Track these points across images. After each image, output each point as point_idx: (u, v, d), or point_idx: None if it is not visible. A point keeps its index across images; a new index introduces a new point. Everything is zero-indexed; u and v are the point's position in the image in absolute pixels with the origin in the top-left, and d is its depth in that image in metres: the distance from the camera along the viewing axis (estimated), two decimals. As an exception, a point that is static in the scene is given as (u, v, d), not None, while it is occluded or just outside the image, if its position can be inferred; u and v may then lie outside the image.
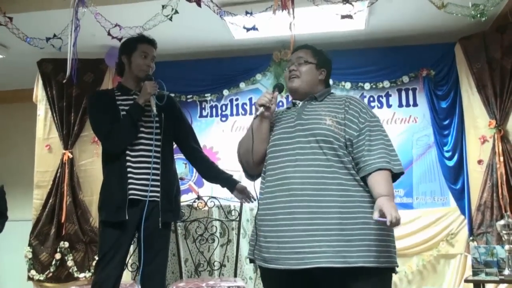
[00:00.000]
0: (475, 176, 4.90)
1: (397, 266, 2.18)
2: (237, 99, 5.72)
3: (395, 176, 2.17)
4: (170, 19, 3.73)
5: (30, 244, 5.24)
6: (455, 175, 5.07)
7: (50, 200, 5.17)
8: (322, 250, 2.02)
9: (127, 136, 2.86)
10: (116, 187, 2.83)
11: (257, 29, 3.88)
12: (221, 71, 5.62)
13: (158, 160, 2.89)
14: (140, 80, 2.96)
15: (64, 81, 3.93)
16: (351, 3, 3.51)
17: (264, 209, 2.20)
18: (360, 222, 2.06)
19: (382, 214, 1.96)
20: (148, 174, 2.83)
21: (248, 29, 3.92)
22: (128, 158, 2.85)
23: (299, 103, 2.36)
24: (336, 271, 2.02)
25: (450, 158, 5.11)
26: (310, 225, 2.05)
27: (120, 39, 3.76)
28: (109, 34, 3.91)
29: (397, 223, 1.94)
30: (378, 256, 2.06)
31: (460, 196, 5.04)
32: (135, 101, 2.88)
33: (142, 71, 2.95)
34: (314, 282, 2.12)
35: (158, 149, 2.89)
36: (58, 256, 5.05)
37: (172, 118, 3.02)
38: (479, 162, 4.87)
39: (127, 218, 2.79)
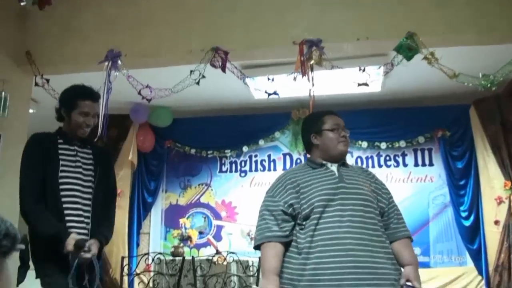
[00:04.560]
0: (492, 236, 5.06)
1: None
2: (256, 156, 5.59)
3: None
4: (198, 83, 4.04)
5: None
6: (472, 235, 5.29)
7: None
8: None
9: (33, 224, 2.64)
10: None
11: (277, 94, 4.43)
12: (241, 128, 5.50)
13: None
14: (77, 135, 2.78)
15: (96, 139, 3.96)
16: (367, 73, 3.83)
17: (318, 268, 2.17)
18: (399, 280, 2.23)
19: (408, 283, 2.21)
20: None
21: (270, 94, 4.45)
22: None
23: (331, 165, 2.41)
24: None
25: (466, 218, 5.36)
26: (370, 285, 2.13)
27: (149, 100, 4.02)
28: (139, 94, 4.11)
29: None
30: None
31: (477, 256, 5.23)
32: (66, 241, 2.55)
33: (81, 130, 2.76)
34: None
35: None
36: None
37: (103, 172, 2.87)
38: (496, 222, 5.04)
39: None
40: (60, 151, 2.71)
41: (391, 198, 2.40)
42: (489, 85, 3.67)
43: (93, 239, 2.63)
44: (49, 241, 2.57)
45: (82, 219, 2.67)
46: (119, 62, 4.04)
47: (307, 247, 2.21)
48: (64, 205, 2.63)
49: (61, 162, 2.68)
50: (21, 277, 5.33)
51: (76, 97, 2.76)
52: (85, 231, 2.66)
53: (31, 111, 5.07)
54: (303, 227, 2.26)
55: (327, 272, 2.14)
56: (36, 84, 4.24)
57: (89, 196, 2.72)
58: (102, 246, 2.67)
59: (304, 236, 2.24)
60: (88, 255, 2.55)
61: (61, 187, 2.64)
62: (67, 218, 2.62)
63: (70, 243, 2.51)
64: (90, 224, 2.69)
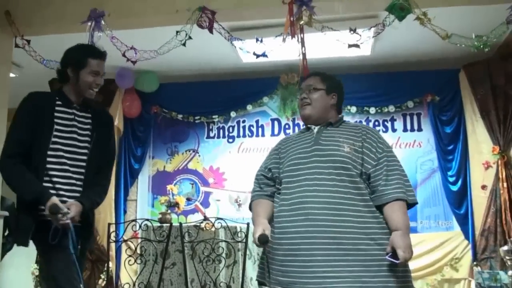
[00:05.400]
0: (479, 201, 5.07)
1: None
2: (244, 121, 5.56)
3: (409, 206, 2.26)
4: (184, 44, 3.94)
5: (37, 262, 5.37)
6: (459, 200, 5.28)
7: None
8: (342, 275, 2.06)
9: (12, 183, 2.58)
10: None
11: (266, 55, 4.24)
12: (229, 93, 5.45)
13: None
14: (85, 96, 2.71)
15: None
16: (358, 33, 3.76)
17: (280, 232, 2.21)
18: (377, 249, 2.10)
19: (394, 250, 2.08)
20: None
21: (258, 56, 4.27)
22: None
23: (314, 128, 2.39)
24: None
25: (454, 183, 5.34)
26: (329, 250, 2.08)
27: (134, 62, 3.95)
28: (124, 55, 4.03)
29: (406, 262, 2.09)
30: (397, 282, 2.09)
31: (464, 220, 5.22)
32: (46, 205, 2.47)
33: (90, 90, 2.69)
34: None
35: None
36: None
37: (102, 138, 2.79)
38: (483, 187, 5.05)
39: None
40: (56, 114, 2.62)
41: (383, 158, 2.24)
42: (481, 46, 3.62)
43: (74, 201, 2.55)
44: (32, 205, 2.52)
45: (73, 188, 2.61)
46: (103, 22, 3.92)
47: (278, 211, 2.27)
48: (52, 172, 2.56)
49: (55, 127, 2.59)
50: (9, 245, 5.34)
51: (86, 55, 2.66)
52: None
53: (12, 75, 4.95)
54: (279, 191, 2.31)
55: (287, 236, 2.17)
56: (17, 46, 4.12)
57: (83, 163, 2.64)
58: (84, 208, 2.57)
59: (278, 200, 2.30)
60: (66, 221, 2.45)
61: (50, 152, 2.56)
62: (57, 186, 2.56)
63: (47, 207, 2.46)
64: (81, 192, 2.63)
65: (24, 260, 5.77)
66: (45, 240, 2.48)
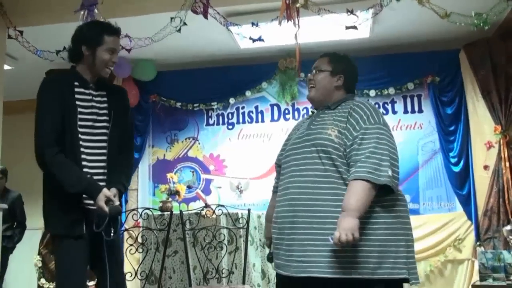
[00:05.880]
0: (481, 181, 5.08)
1: (406, 276, 2.09)
2: (243, 107, 5.54)
3: (386, 189, 2.10)
4: (179, 31, 3.96)
5: (39, 253, 5.61)
6: (461, 180, 5.26)
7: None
8: (316, 260, 2.06)
9: (58, 176, 2.45)
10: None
11: (263, 40, 4.21)
12: (227, 79, 5.42)
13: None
14: (100, 75, 2.61)
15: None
16: (355, 14, 3.76)
17: (275, 217, 2.30)
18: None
19: None
20: None
21: (254, 40, 4.20)
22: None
23: (315, 112, 2.40)
24: (334, 281, 2.05)
25: (456, 164, 5.32)
26: (308, 235, 2.09)
27: (129, 50, 3.91)
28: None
29: (343, 244, 1.98)
30: (374, 268, 2.03)
31: (467, 201, 5.21)
32: (98, 197, 2.43)
33: (106, 69, 2.59)
34: None
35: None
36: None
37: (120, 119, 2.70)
38: (485, 167, 5.07)
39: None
40: (76, 96, 2.52)
41: (358, 137, 2.14)
42: (481, 24, 3.59)
43: (114, 189, 2.51)
44: (68, 195, 2.45)
45: (100, 170, 2.55)
46: (96, 10, 3.88)
47: (277, 196, 2.35)
48: (83, 156, 2.49)
49: (78, 109, 2.51)
50: (17, 238, 5.40)
51: (102, 32, 2.55)
52: (103, 183, 2.52)
53: (7, 67, 4.92)
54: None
55: (277, 221, 2.26)
56: (9, 37, 4.08)
57: (104, 144, 2.57)
58: (121, 194, 2.56)
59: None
60: (118, 207, 2.46)
61: (80, 136, 2.50)
62: (84, 170, 2.49)
63: (101, 199, 2.41)
64: (106, 174, 2.56)
65: (27, 252, 5.81)
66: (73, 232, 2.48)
